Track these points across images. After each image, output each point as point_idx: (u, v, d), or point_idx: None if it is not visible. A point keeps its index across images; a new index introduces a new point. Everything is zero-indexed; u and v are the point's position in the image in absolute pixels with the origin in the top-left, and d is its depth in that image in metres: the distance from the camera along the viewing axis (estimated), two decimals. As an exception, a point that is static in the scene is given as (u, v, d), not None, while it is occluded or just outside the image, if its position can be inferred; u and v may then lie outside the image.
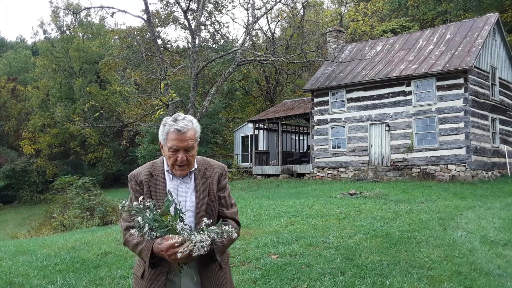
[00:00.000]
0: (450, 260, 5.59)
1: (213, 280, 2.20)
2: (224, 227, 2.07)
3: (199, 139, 2.31)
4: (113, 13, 26.09)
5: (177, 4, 26.87)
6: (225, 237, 2.05)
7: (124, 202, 2.06)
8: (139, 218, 1.99)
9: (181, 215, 2.03)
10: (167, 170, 2.28)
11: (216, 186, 2.30)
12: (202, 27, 28.34)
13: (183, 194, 2.25)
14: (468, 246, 6.26)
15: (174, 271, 2.12)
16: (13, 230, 21.06)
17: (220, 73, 26.21)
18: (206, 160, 2.38)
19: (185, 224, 2.05)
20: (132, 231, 2.01)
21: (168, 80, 23.15)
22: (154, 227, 1.99)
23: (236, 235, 2.12)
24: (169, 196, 2.07)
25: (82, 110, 37.40)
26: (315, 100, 21.41)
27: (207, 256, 2.09)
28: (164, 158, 2.31)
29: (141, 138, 32.74)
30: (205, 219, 2.06)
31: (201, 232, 2.00)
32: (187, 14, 24.77)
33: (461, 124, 16.99)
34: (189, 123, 2.21)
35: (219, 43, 30.48)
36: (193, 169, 2.28)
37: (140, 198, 2.05)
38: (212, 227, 2.04)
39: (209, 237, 2.00)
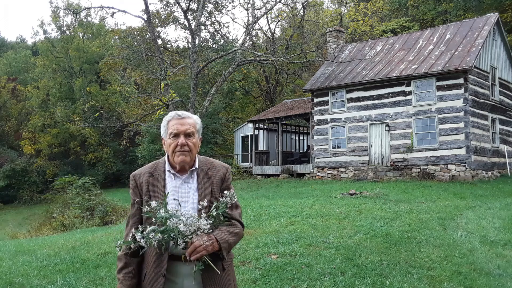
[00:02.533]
0: (450, 260, 5.59)
1: (215, 281, 2.18)
2: (220, 199, 2.14)
3: (200, 134, 2.35)
4: (113, 13, 26.09)
5: (177, 4, 26.88)
6: (229, 201, 2.14)
7: (118, 243, 2.12)
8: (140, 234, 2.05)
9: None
10: (169, 170, 2.28)
11: (219, 187, 2.29)
12: (202, 27, 28.35)
13: (185, 194, 2.24)
14: (468, 246, 6.27)
15: (195, 273, 2.10)
16: (13, 230, 21.04)
17: (220, 73, 26.21)
18: (209, 160, 2.38)
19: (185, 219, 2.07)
20: (137, 237, 2.04)
21: (168, 80, 23.14)
22: (160, 237, 2.03)
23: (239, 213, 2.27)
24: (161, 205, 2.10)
25: (82, 110, 37.37)
26: (315, 100, 21.41)
27: (213, 254, 2.09)
28: (166, 157, 2.32)
29: (141, 138, 32.75)
30: (201, 203, 2.12)
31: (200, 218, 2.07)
32: (187, 14, 24.76)
33: (461, 124, 17.00)
34: (189, 114, 2.32)
35: (219, 43, 30.48)
36: (195, 168, 2.28)
37: (132, 231, 2.12)
38: (212, 211, 2.11)
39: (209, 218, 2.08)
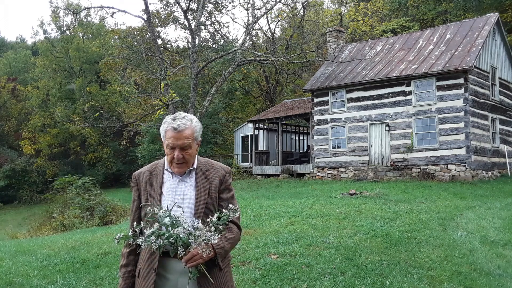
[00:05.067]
0: (450, 260, 5.59)
1: (207, 278, 2.18)
2: (224, 210, 2.14)
3: (200, 138, 2.34)
4: (113, 13, 26.08)
5: (177, 4, 26.87)
6: (232, 216, 2.12)
7: (118, 236, 2.14)
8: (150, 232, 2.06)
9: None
10: (167, 169, 2.32)
11: (217, 187, 2.30)
12: (202, 27, 28.34)
13: (181, 192, 2.26)
14: (468, 246, 6.26)
15: (190, 279, 2.12)
16: (13, 230, 21.04)
17: (220, 73, 26.20)
18: (209, 161, 2.40)
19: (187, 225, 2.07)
20: (139, 240, 2.07)
21: (168, 80, 23.13)
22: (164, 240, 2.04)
23: (238, 217, 2.23)
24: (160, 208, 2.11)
25: (82, 110, 37.37)
26: (315, 100, 21.41)
27: (208, 260, 2.11)
28: (165, 157, 2.36)
29: (141, 138, 32.72)
30: (210, 217, 2.10)
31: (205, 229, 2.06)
32: (187, 14, 24.75)
33: (461, 124, 16.99)
34: (188, 122, 2.25)
35: (219, 43, 30.48)
36: (193, 168, 2.30)
37: (135, 224, 2.15)
38: (213, 219, 2.10)
39: (211, 230, 2.06)
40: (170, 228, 2.03)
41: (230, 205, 2.16)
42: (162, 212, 2.05)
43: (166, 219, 2.03)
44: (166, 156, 2.30)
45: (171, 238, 2.02)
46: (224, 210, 2.14)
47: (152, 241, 2.01)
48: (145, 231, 2.08)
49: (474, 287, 4.69)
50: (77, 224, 15.67)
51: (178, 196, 2.24)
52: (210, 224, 2.08)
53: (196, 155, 2.36)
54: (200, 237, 2.02)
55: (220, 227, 2.10)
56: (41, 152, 40.78)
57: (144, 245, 2.05)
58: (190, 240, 2.01)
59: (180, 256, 2.04)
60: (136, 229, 2.11)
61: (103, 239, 8.17)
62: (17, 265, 6.30)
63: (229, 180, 2.37)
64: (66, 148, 42.30)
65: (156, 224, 2.06)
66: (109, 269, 5.73)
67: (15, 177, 37.65)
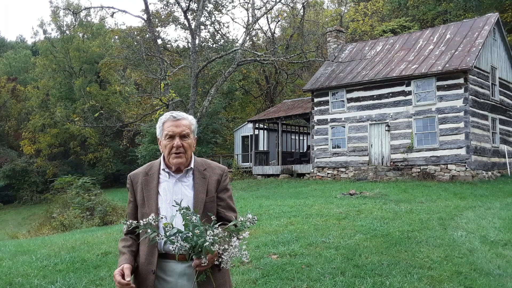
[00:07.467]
0: (450, 260, 5.59)
1: (211, 281, 2.18)
2: (241, 218, 2.09)
3: (196, 134, 2.37)
4: (113, 13, 26.06)
5: (177, 4, 26.88)
6: (248, 225, 2.08)
7: (129, 221, 2.10)
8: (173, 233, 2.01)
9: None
10: (163, 169, 2.30)
11: (215, 187, 2.30)
12: (202, 27, 28.34)
13: (179, 192, 2.25)
14: (468, 246, 6.26)
15: (195, 283, 2.12)
16: (13, 230, 21.05)
17: (220, 73, 26.21)
18: (206, 161, 2.40)
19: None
20: (158, 237, 2.03)
21: (168, 80, 23.13)
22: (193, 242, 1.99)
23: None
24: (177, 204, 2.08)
25: (82, 110, 37.37)
26: (315, 100, 21.41)
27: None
28: (162, 157, 2.35)
29: (141, 138, 32.70)
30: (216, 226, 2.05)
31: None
32: (187, 14, 24.76)
33: (461, 124, 16.99)
34: (184, 115, 2.33)
35: (219, 43, 30.48)
36: (190, 167, 2.29)
37: (151, 216, 2.06)
38: (230, 227, 2.08)
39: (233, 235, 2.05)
40: (188, 230, 1.98)
41: (249, 216, 2.12)
42: (196, 219, 1.99)
43: (192, 220, 1.98)
44: (164, 150, 2.27)
45: (193, 242, 1.97)
46: (242, 218, 2.10)
47: (181, 245, 1.98)
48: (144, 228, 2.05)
49: (474, 287, 4.69)
50: (77, 224, 15.66)
51: (175, 196, 2.23)
52: (226, 233, 2.05)
53: (193, 155, 2.35)
54: (227, 249, 1.98)
55: (234, 234, 2.07)
56: (41, 152, 40.80)
57: (173, 249, 1.99)
58: (213, 248, 1.96)
59: (203, 263, 1.99)
60: (152, 222, 2.04)
61: (103, 239, 8.17)
62: (17, 265, 6.31)
63: (226, 179, 2.37)
64: (66, 148, 42.31)
65: (178, 223, 2.03)
66: (109, 269, 5.73)
67: (15, 177, 37.66)
